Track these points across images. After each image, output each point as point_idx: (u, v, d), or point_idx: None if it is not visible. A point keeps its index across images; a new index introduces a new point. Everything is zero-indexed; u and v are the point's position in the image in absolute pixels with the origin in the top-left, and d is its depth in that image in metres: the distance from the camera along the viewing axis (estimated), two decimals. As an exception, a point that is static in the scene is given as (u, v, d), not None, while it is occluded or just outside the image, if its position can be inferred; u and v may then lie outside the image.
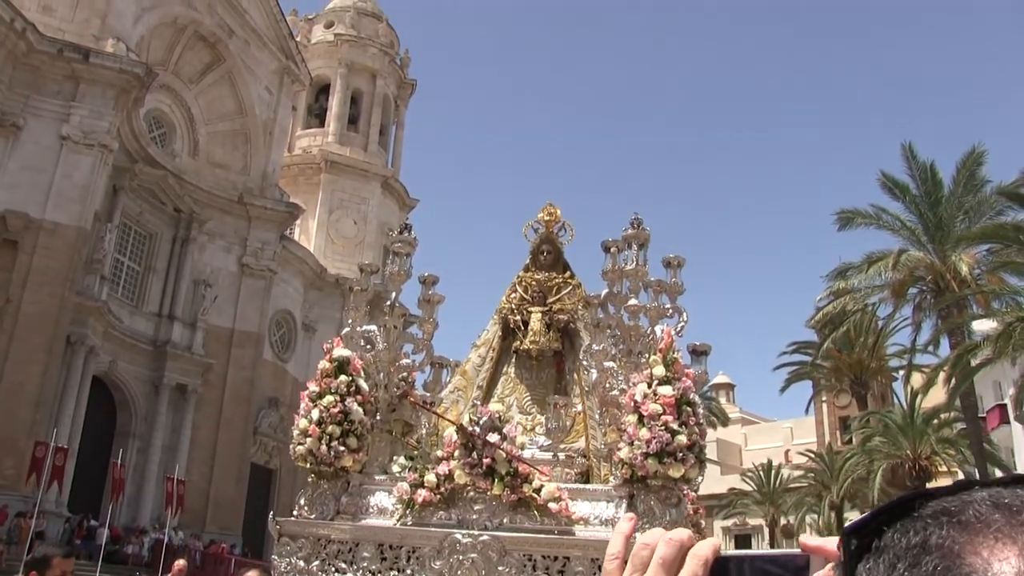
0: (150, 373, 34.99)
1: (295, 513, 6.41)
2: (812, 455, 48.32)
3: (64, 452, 27.16)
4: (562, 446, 7.13)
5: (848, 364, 38.17)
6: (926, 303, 26.21)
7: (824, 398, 53.40)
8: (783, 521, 53.42)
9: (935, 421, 33.55)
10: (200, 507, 34.45)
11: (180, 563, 12.12)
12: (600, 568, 5.59)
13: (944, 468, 34.81)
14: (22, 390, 27.27)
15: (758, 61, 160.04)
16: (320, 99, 53.30)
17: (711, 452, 62.08)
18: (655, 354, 6.18)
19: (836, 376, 40.04)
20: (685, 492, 6.69)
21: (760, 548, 57.31)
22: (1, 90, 29.27)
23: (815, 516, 49.74)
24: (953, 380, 24.70)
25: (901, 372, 35.62)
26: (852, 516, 49.05)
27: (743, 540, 59.98)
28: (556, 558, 5.73)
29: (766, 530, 55.01)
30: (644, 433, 5.81)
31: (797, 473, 50.68)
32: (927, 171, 26.48)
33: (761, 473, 52.69)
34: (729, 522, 58.90)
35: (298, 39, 48.98)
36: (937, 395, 30.01)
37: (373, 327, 6.89)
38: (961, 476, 38.00)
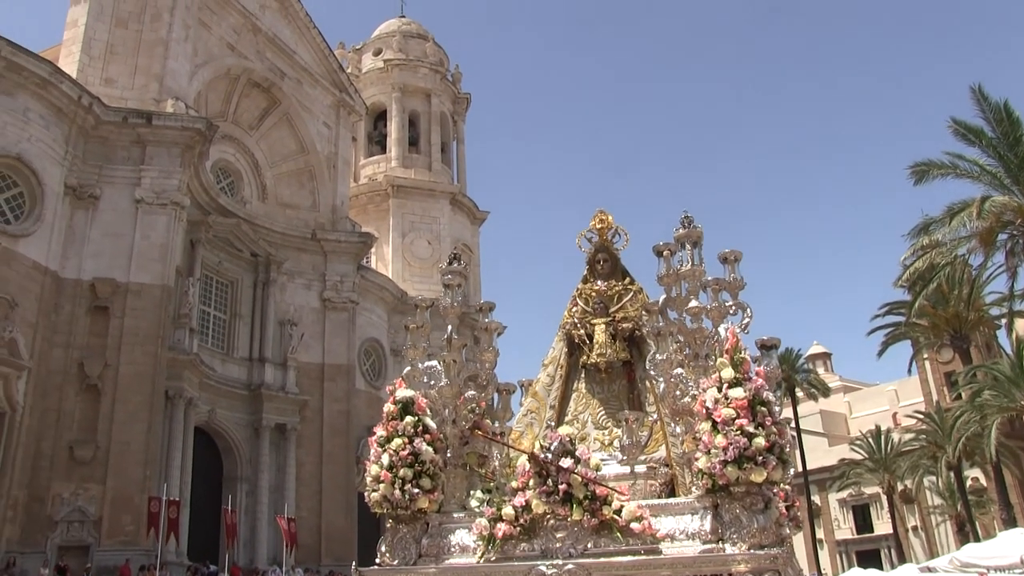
0: (249, 417, 35.81)
1: (377, 561, 6.38)
2: (921, 416, 46.87)
3: (176, 504, 28.07)
4: (642, 458, 6.97)
5: (945, 319, 36.73)
6: (1018, 247, 25.09)
7: (926, 356, 51.65)
8: (900, 487, 51.92)
9: (1047, 366, 32.14)
10: (313, 542, 35.12)
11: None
12: (690, 583, 5.46)
13: (1064, 414, 33.28)
14: (129, 449, 28.16)
15: (814, 17, 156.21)
16: (379, 126, 53.98)
17: (814, 424, 60.99)
18: (722, 356, 5.99)
19: (935, 332, 38.53)
20: (775, 492, 6.45)
21: (880, 516, 56.00)
22: (77, 164, 30.47)
23: (933, 478, 48.21)
24: (1058, 323, 23.66)
25: (1003, 320, 34.20)
26: (972, 474, 47.62)
27: (861, 510, 58.55)
28: (645, 579, 5.58)
29: (884, 498, 53.55)
30: (720, 440, 5.62)
31: (908, 436, 49.22)
32: (1001, 111, 25.30)
33: (870, 440, 51.30)
34: (844, 493, 57.55)
35: (349, 70, 49.72)
36: (1045, 339, 28.77)
37: (435, 362, 6.84)
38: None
